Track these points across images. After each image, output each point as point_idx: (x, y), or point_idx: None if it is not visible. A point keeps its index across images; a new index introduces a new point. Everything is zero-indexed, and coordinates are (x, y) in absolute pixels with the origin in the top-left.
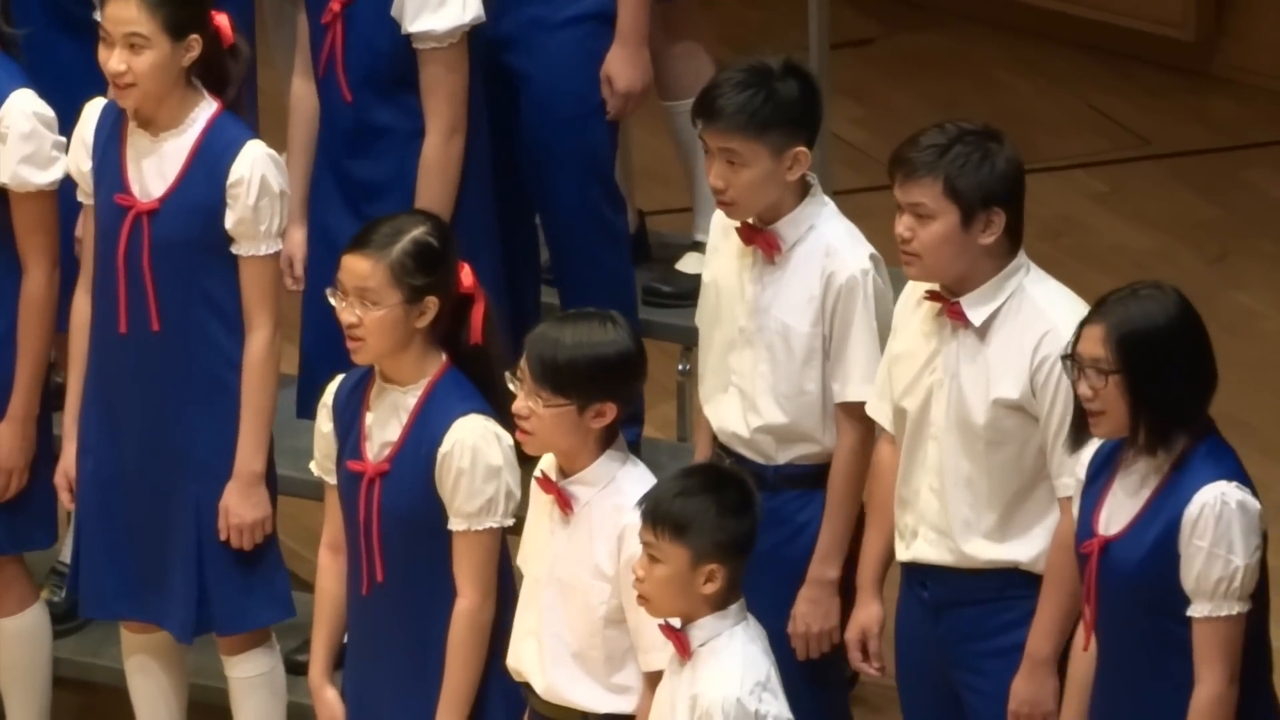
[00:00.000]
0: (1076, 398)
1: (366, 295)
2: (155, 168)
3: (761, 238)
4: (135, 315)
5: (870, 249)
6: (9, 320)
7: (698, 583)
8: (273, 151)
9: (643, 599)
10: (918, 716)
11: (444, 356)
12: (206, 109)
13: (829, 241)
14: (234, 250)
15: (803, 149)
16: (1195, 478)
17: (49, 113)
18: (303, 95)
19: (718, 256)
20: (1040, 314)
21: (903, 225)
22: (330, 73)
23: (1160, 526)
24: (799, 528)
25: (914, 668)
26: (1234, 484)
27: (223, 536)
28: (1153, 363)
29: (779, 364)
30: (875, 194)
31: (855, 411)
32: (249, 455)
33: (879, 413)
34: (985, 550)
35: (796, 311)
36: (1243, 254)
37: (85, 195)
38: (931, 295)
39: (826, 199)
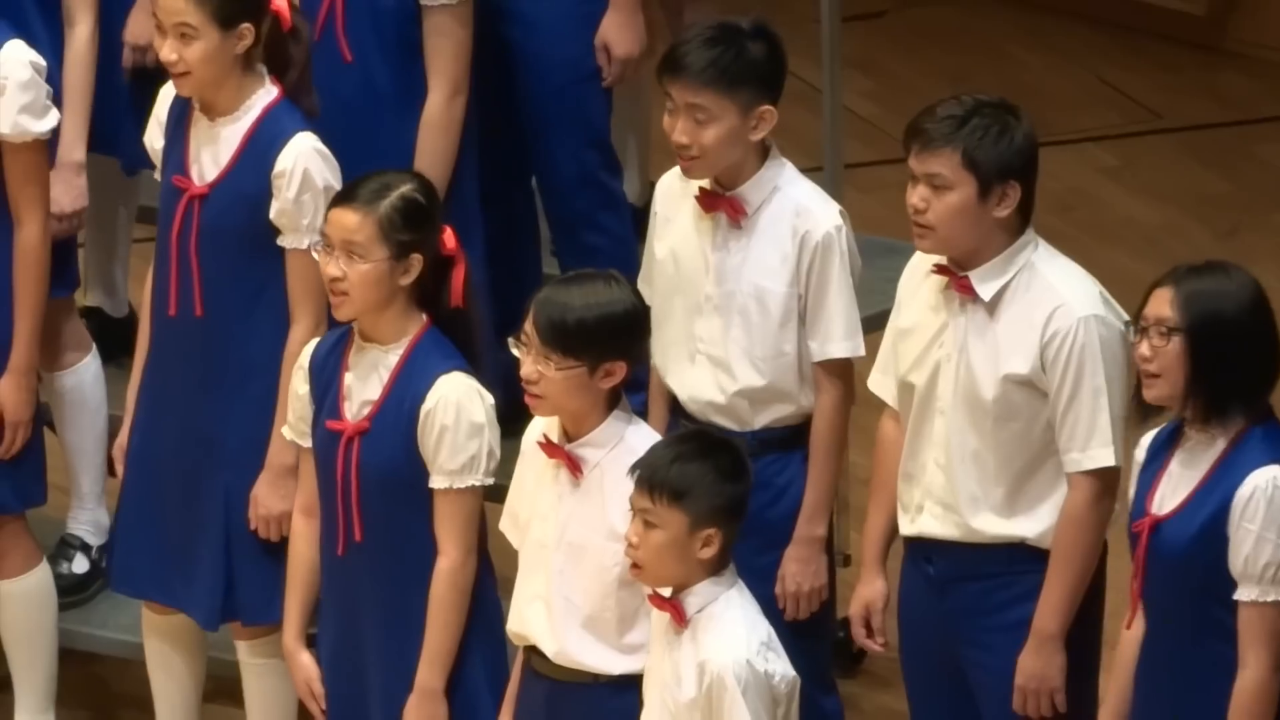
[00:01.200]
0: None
1: (353, 249)
2: (211, 153)
3: (725, 202)
4: (183, 299)
5: (838, 205)
6: (4, 274)
7: (695, 548)
8: (321, 146)
9: (635, 567)
10: (922, 692)
11: (424, 317)
12: (265, 96)
13: (798, 200)
14: (279, 242)
15: (769, 108)
16: (1249, 460)
17: (42, 61)
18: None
19: (670, 227)
20: (1050, 289)
21: (917, 196)
22: (329, 34)
23: (1211, 508)
24: (779, 490)
25: (918, 643)
26: None
27: (252, 526)
28: (1217, 331)
29: (753, 327)
30: (886, 167)
31: (835, 368)
32: (281, 447)
33: (882, 388)
34: (992, 525)
35: (771, 273)
36: (1253, 229)
37: (160, 173)
38: (940, 269)
39: (786, 161)
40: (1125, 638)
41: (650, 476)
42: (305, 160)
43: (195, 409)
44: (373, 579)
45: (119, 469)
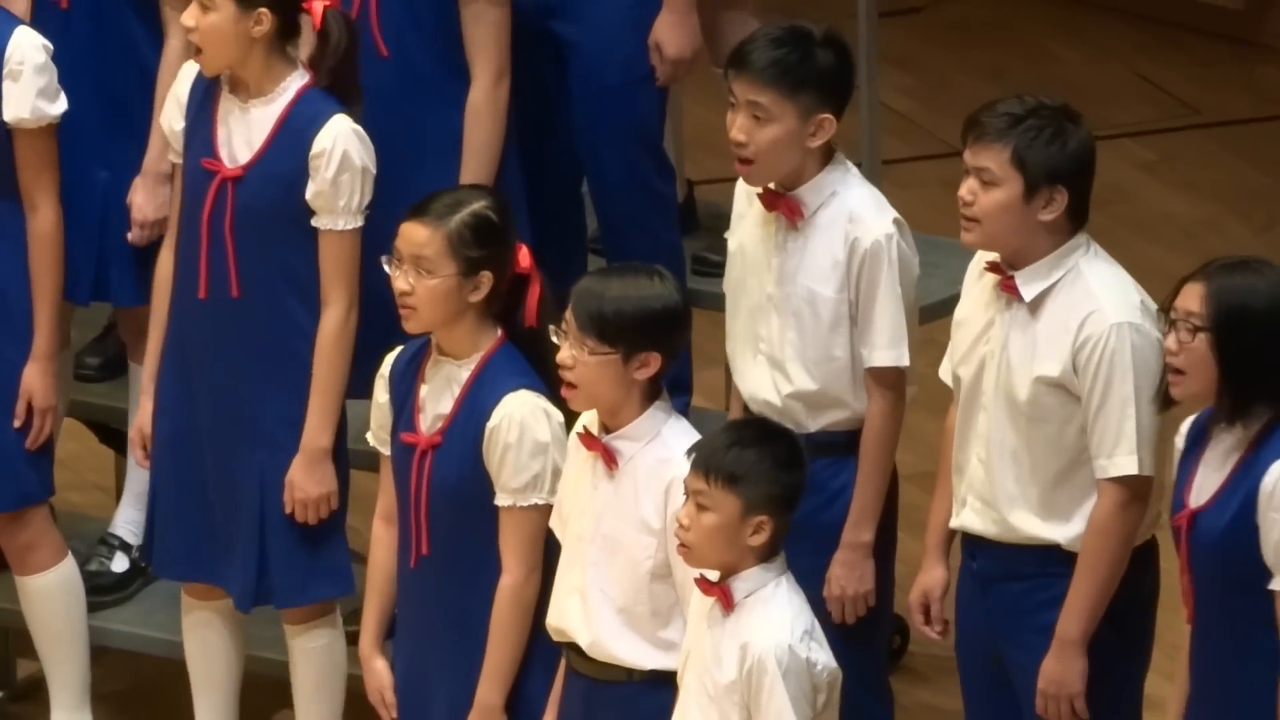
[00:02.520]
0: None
1: (421, 263)
2: (243, 135)
3: (783, 203)
4: (215, 281)
5: (894, 214)
6: (18, 262)
7: (745, 533)
8: (359, 128)
9: (684, 548)
10: (973, 684)
11: (499, 332)
12: (298, 80)
13: (852, 207)
14: (314, 223)
15: (829, 116)
16: (1274, 449)
17: (50, 45)
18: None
19: (743, 224)
20: (1090, 294)
21: (965, 188)
22: (363, 30)
23: (1240, 499)
24: (833, 495)
25: (971, 637)
26: None
27: (287, 510)
28: (1245, 329)
29: (806, 330)
30: (923, 163)
31: (884, 377)
32: (316, 430)
33: (948, 374)
34: (1028, 524)
35: (822, 277)
36: None
37: (176, 154)
38: (991, 266)
39: (849, 165)
40: (1187, 632)
41: (707, 459)
42: (345, 141)
43: (230, 391)
44: (440, 593)
45: (137, 454)
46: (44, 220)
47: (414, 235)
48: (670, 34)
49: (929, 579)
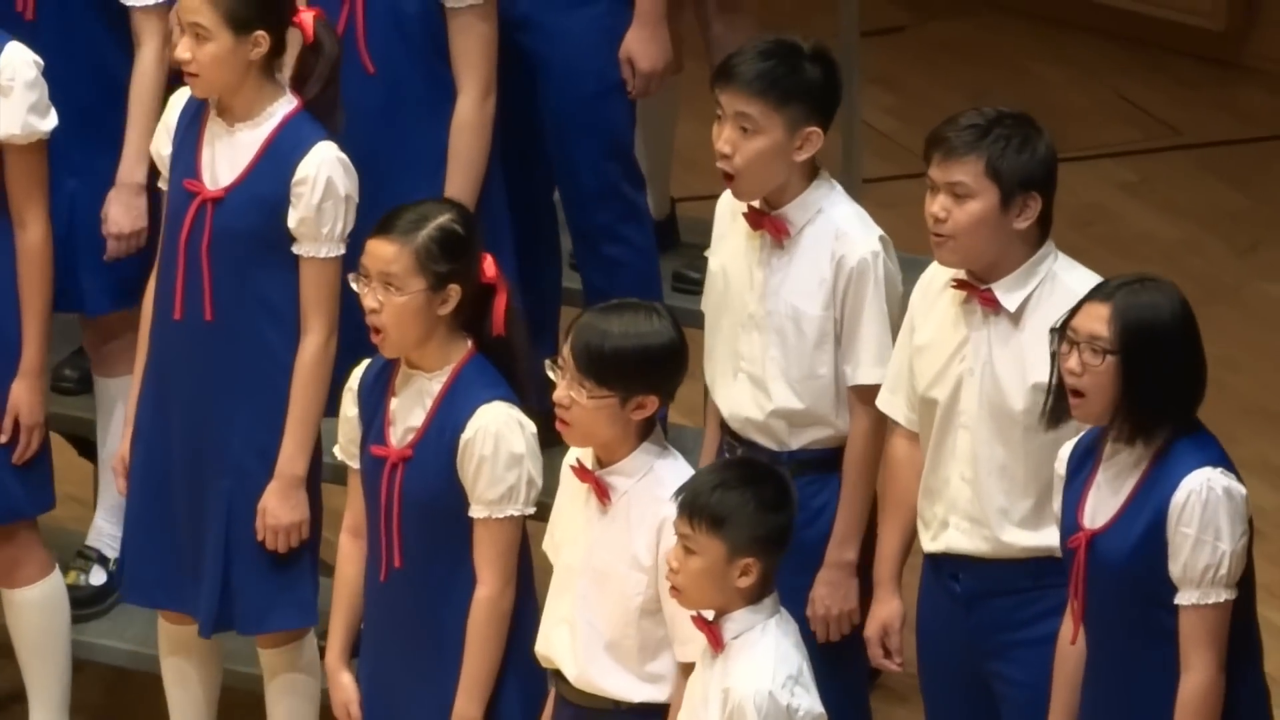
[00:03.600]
0: (1059, 375)
1: (390, 280)
2: (227, 157)
3: (769, 221)
4: (190, 302)
5: (879, 231)
6: (9, 277)
7: (733, 576)
8: (344, 155)
9: (675, 590)
10: (943, 708)
11: (469, 343)
12: (285, 105)
13: (838, 225)
14: (295, 250)
15: (816, 130)
16: (1180, 465)
17: (41, 61)
18: None
19: (725, 242)
20: (1071, 295)
21: (937, 205)
22: (349, 47)
23: (1147, 517)
24: (815, 513)
25: (940, 661)
26: (1219, 470)
27: (259, 537)
28: (1152, 353)
29: (790, 348)
30: (904, 182)
31: (868, 395)
32: (291, 457)
33: (891, 406)
34: (1020, 538)
35: (807, 295)
36: (1272, 245)
37: (165, 180)
38: (960, 284)
39: (834, 183)
40: (1066, 652)
41: (691, 502)
42: (329, 168)
43: (200, 414)
44: (413, 605)
45: (119, 483)
46: (33, 236)
47: (380, 252)
48: (642, 48)
49: (886, 611)
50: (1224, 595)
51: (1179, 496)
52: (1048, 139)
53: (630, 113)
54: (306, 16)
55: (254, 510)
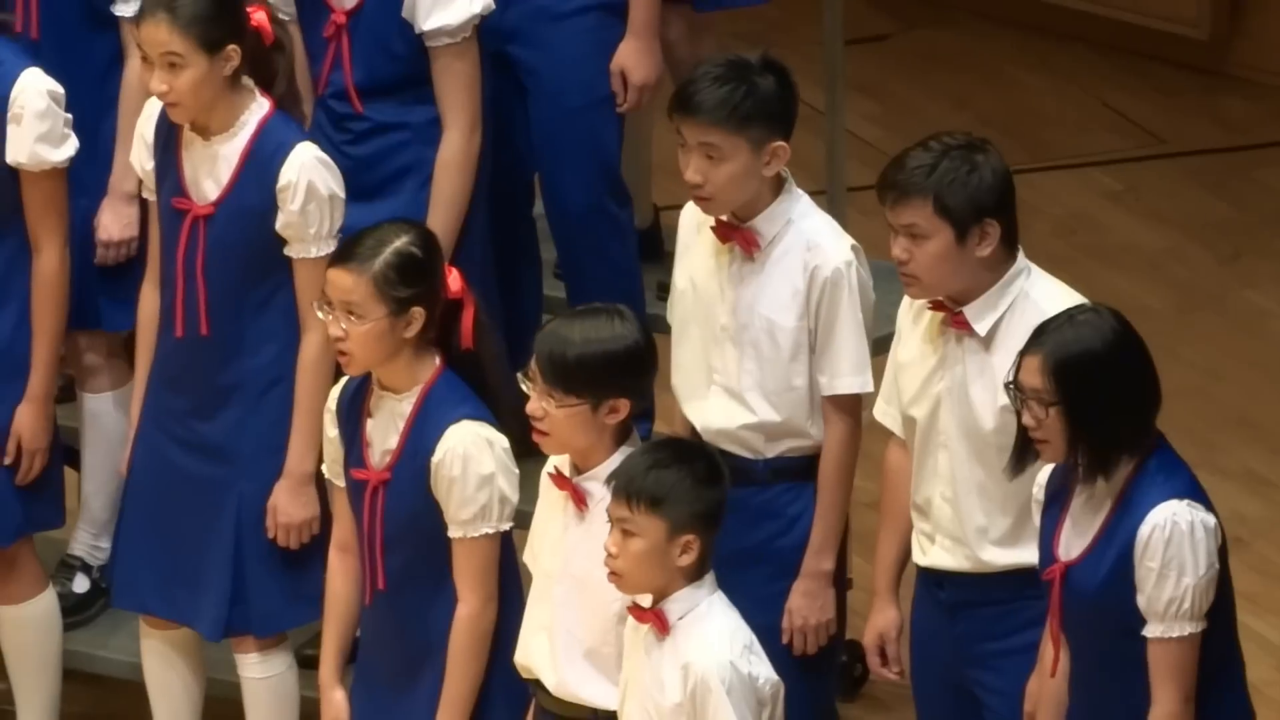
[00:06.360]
0: (1021, 424)
1: (352, 309)
2: (209, 172)
3: (739, 234)
4: (190, 319)
5: (850, 240)
6: (25, 301)
7: (674, 554)
8: (323, 154)
9: (615, 576)
10: (931, 714)
11: (437, 360)
12: (258, 110)
13: (809, 236)
14: (287, 252)
15: (781, 143)
16: (1146, 499)
17: (59, 89)
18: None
19: (691, 255)
20: (1042, 314)
21: (899, 247)
22: (337, 85)
23: (1116, 550)
24: (790, 521)
25: (930, 666)
26: (1185, 502)
27: (270, 535)
28: (1090, 390)
29: (765, 360)
30: None
31: (844, 404)
32: (300, 455)
33: (888, 417)
34: (1000, 556)
35: (781, 307)
36: (1256, 253)
37: (149, 192)
38: (935, 305)
39: (802, 193)
40: (1048, 684)
41: (627, 485)
42: (309, 171)
43: (206, 423)
44: (396, 624)
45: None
46: (48, 262)
47: (340, 281)
48: (635, 60)
49: (883, 620)
50: (1189, 628)
51: (1144, 531)
52: (995, 160)
53: (618, 127)
54: (260, 17)
55: (264, 512)
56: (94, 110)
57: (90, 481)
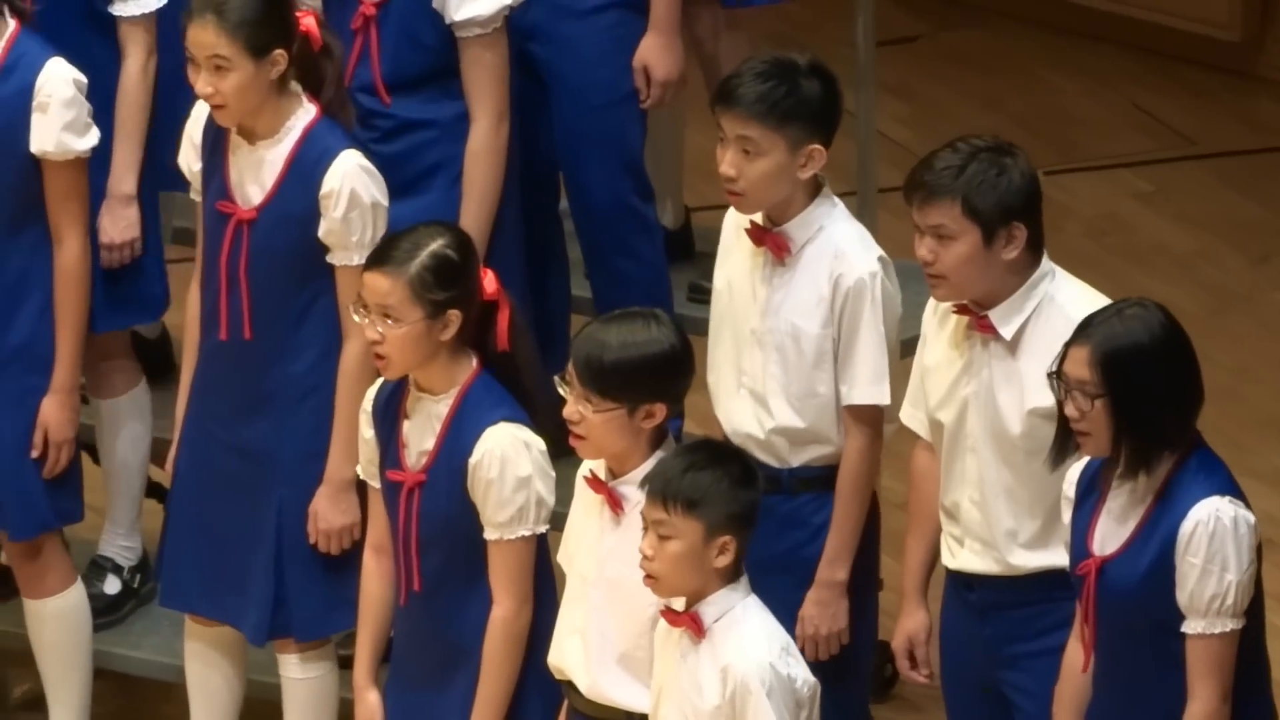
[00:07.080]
0: (1062, 415)
1: (388, 312)
2: (254, 176)
3: (770, 238)
4: (234, 323)
5: (879, 251)
6: (47, 294)
7: (710, 556)
8: (366, 162)
9: (650, 579)
10: (962, 715)
11: (474, 361)
12: (304, 115)
13: (838, 243)
14: (329, 259)
15: (819, 147)
16: (1188, 495)
17: (83, 79)
18: None
19: (731, 257)
20: (1069, 320)
21: (925, 248)
22: (365, 79)
23: (1157, 545)
24: (815, 530)
25: (960, 668)
26: (1227, 499)
27: (311, 540)
28: (1137, 384)
29: (790, 365)
30: None
31: (863, 414)
32: (340, 461)
33: (914, 421)
34: (1030, 559)
35: (806, 313)
36: None
37: (197, 193)
38: (961, 309)
39: (837, 200)
40: (1075, 679)
41: (663, 488)
42: (352, 179)
43: (248, 427)
44: (432, 626)
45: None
46: (69, 253)
47: (376, 285)
48: (658, 56)
49: (912, 623)
50: (1230, 625)
51: (1186, 526)
52: (1023, 164)
53: (641, 123)
54: (308, 22)
55: (304, 518)
56: (95, 109)
57: (113, 482)
